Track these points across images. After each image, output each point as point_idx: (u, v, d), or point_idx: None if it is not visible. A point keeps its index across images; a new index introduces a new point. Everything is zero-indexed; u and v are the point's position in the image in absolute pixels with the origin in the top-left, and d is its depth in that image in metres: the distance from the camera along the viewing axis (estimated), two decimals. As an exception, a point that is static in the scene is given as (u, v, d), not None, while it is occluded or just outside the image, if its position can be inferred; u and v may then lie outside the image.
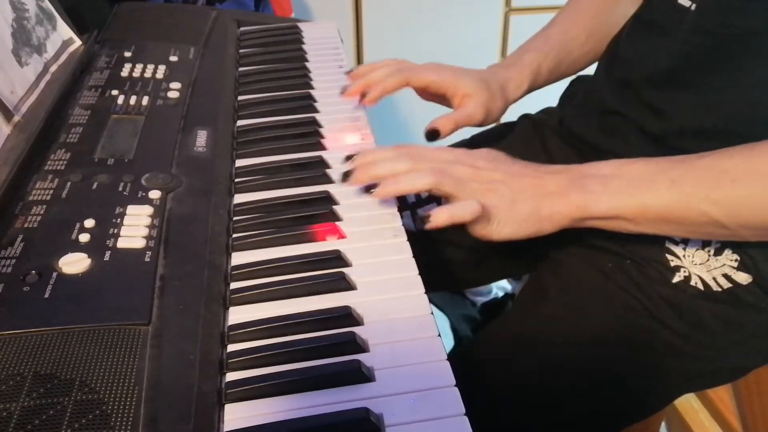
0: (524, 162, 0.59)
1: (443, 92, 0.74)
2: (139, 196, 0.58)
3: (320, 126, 0.73)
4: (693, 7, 0.61)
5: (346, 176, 0.60)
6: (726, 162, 0.52)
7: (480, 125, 0.76)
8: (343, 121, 0.75)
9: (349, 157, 0.63)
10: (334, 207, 0.60)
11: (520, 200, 0.55)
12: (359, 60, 1.79)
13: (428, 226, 0.55)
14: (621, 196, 0.54)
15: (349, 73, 0.80)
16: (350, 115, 0.76)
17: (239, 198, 0.62)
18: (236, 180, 0.65)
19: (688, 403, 1.12)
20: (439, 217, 0.54)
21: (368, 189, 0.58)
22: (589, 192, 0.55)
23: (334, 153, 0.68)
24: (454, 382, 0.44)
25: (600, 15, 0.81)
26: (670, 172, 0.53)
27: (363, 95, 0.74)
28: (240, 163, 0.68)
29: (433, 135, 0.70)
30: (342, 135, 0.72)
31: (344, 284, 0.52)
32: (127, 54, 0.82)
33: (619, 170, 0.56)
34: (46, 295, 0.47)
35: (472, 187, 0.56)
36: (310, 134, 0.72)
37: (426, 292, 0.52)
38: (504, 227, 0.56)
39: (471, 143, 0.88)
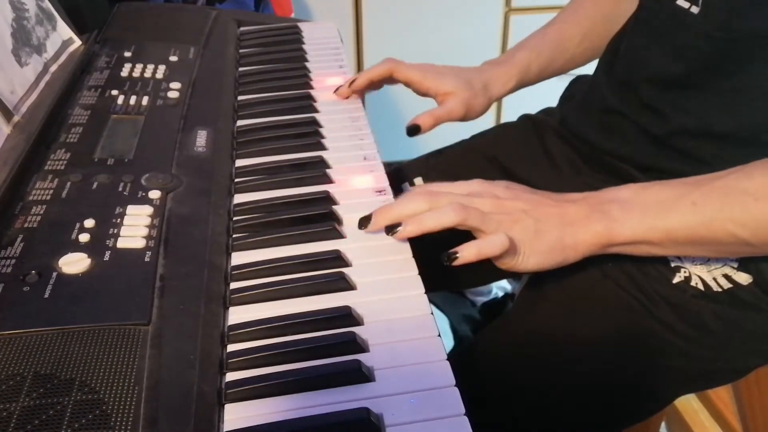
0: (542, 191, 0.59)
1: (425, 92, 0.79)
2: (139, 196, 0.58)
3: (320, 126, 0.73)
4: (693, 9, 0.61)
5: (363, 222, 0.57)
6: (745, 182, 0.52)
7: (461, 120, 0.79)
8: (342, 122, 0.75)
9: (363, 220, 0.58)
10: (334, 207, 0.60)
11: (544, 230, 0.55)
12: (359, 60, 1.79)
13: (456, 263, 0.54)
14: (645, 220, 0.54)
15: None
16: (350, 115, 0.76)
17: (239, 198, 0.62)
18: (236, 180, 0.65)
19: (688, 403, 1.12)
20: (467, 254, 0.53)
21: (389, 230, 0.56)
22: (612, 219, 0.55)
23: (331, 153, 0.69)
24: (454, 382, 0.44)
25: (600, 14, 0.82)
26: (691, 194, 0.53)
27: (351, 82, 0.79)
28: (240, 163, 0.68)
29: (414, 130, 0.74)
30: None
31: (344, 284, 0.52)
32: (127, 54, 0.82)
33: (638, 196, 0.55)
34: (46, 295, 0.47)
35: (497, 219, 0.55)
36: (310, 134, 0.72)
37: (426, 292, 0.52)
38: (530, 259, 0.55)
39: (471, 143, 0.88)
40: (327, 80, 0.83)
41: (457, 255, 0.53)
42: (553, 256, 0.55)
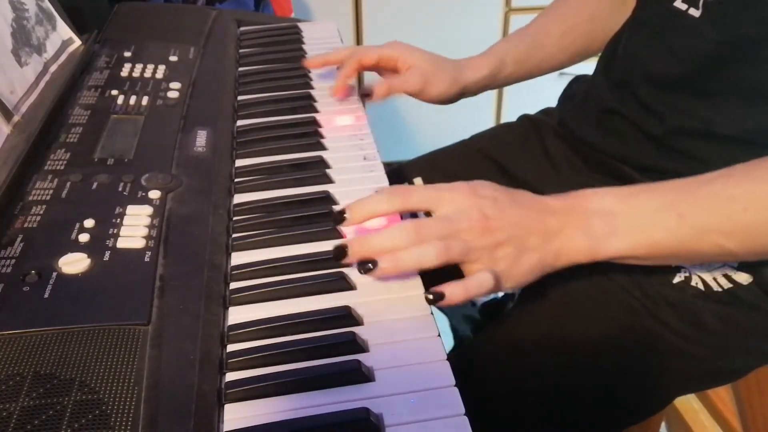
0: (521, 196, 0.55)
1: (393, 64, 0.80)
2: (139, 196, 0.58)
3: (320, 126, 0.73)
4: (692, 11, 0.61)
5: (338, 218, 0.53)
6: (733, 188, 0.50)
7: (421, 96, 0.79)
8: (342, 122, 0.75)
9: (339, 213, 0.53)
10: (333, 207, 0.60)
11: (525, 254, 0.52)
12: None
13: (442, 304, 0.51)
14: (630, 236, 0.52)
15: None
16: (350, 116, 0.76)
17: (239, 198, 0.62)
18: (236, 180, 0.65)
19: (688, 403, 1.12)
20: (454, 296, 0.50)
21: (363, 265, 0.50)
22: (595, 236, 0.52)
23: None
24: (454, 382, 0.44)
25: (585, 12, 0.83)
26: (677, 205, 0.51)
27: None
28: (240, 163, 0.68)
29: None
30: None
31: (344, 284, 0.52)
32: (127, 54, 0.82)
33: (622, 205, 0.53)
34: (46, 295, 0.47)
35: (478, 254, 0.51)
36: (310, 134, 0.72)
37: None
38: (508, 282, 0.53)
39: (470, 143, 0.88)
40: (327, 82, 0.83)
41: (445, 296, 0.50)
42: (530, 277, 0.53)
